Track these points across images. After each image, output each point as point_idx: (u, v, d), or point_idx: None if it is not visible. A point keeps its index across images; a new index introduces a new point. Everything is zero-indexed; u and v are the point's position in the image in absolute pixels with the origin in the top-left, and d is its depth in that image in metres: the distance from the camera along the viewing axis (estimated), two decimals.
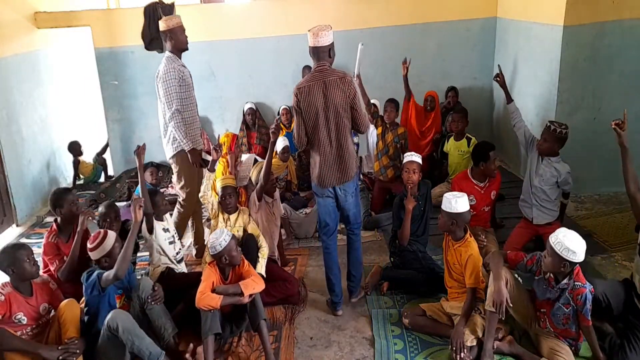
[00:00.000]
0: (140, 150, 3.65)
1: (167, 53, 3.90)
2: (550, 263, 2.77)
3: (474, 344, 2.97)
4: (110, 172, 6.66)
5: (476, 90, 6.42)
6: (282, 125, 6.15)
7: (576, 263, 2.72)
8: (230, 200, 3.70)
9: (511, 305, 2.84)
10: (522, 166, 5.51)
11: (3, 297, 2.81)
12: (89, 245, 3.01)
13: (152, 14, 6.04)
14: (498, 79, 4.22)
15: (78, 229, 3.34)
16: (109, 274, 2.88)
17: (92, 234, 3.10)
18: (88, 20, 6.14)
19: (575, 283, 2.77)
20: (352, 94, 3.17)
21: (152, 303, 3.04)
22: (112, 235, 3.05)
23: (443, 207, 3.21)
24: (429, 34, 6.24)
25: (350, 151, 3.29)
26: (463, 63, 6.34)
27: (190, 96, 3.96)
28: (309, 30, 3.14)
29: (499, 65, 4.29)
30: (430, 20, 6.23)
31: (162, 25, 3.87)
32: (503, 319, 2.87)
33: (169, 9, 6.10)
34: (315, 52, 3.17)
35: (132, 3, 7.80)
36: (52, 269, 3.35)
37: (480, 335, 2.99)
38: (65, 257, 3.34)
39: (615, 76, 4.82)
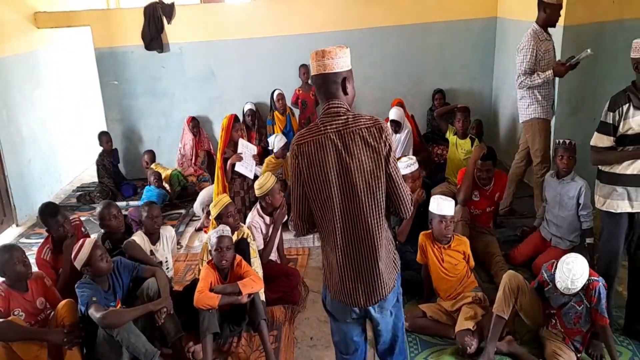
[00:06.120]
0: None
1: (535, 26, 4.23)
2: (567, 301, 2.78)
3: (475, 328, 3.00)
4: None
5: (476, 90, 6.41)
6: (276, 114, 6.09)
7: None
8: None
9: None
10: None
11: (3, 294, 2.85)
12: (72, 256, 2.94)
13: (152, 14, 6.07)
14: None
15: (66, 243, 3.31)
16: (93, 314, 2.75)
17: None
18: (88, 20, 6.15)
19: (589, 277, 2.72)
20: (387, 152, 1.95)
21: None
22: (88, 243, 2.91)
23: (430, 208, 3.27)
24: (429, 34, 6.24)
25: (384, 246, 2.05)
26: (463, 63, 6.34)
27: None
28: (313, 53, 1.98)
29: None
30: (430, 20, 6.23)
31: None
32: None
33: (169, 9, 6.13)
34: (321, 83, 1.97)
35: (132, 3, 7.81)
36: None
37: (480, 319, 3.05)
38: (59, 271, 3.33)
39: (615, 76, 4.79)
